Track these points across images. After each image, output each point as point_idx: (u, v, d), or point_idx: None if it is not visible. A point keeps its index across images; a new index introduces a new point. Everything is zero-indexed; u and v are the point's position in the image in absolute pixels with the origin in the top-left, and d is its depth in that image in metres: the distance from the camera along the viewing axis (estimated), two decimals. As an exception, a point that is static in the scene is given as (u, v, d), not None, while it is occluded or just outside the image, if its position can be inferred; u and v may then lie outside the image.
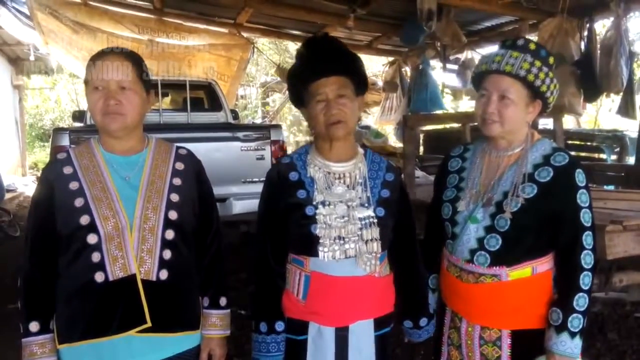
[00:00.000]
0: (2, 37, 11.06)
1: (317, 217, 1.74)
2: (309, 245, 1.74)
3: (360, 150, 1.88)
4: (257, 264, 1.85)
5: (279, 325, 1.79)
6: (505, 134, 1.82)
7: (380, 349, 1.82)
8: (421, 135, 9.38)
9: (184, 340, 1.76)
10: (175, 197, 1.74)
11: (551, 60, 1.80)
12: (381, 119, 10.39)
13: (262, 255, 1.83)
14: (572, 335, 1.71)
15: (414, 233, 1.94)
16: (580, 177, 1.76)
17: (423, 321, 1.94)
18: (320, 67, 1.74)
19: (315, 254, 1.73)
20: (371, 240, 1.75)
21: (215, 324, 1.83)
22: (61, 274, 1.67)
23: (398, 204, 1.86)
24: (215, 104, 7.03)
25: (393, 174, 1.89)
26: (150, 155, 1.78)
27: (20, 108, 14.27)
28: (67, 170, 1.70)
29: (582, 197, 1.75)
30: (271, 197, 1.84)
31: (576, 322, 1.71)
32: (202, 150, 5.18)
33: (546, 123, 7.19)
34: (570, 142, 7.14)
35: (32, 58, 11.47)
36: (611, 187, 5.97)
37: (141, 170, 1.75)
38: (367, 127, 10.38)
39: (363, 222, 1.76)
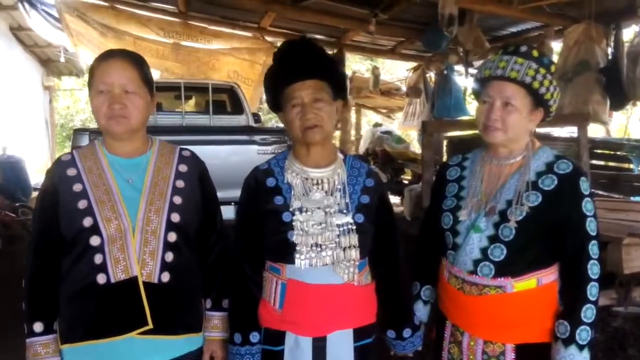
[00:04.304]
0: (33, 38, 11.26)
1: (294, 223, 1.70)
2: (286, 253, 1.71)
3: (340, 156, 1.84)
4: (233, 272, 1.81)
5: (254, 337, 1.75)
6: (507, 142, 1.78)
7: None
8: (444, 141, 9.26)
9: (186, 343, 1.76)
10: (178, 200, 1.74)
11: (553, 68, 1.75)
12: (404, 124, 10.35)
13: (238, 263, 1.80)
14: (581, 348, 1.65)
15: (395, 240, 1.88)
16: (584, 185, 1.71)
17: (407, 332, 1.89)
18: (295, 71, 1.70)
19: (292, 261, 1.70)
20: (349, 247, 1.71)
21: (218, 326, 1.83)
22: (64, 275, 1.68)
23: (378, 210, 1.81)
24: (237, 107, 7.05)
25: (373, 179, 1.84)
26: (153, 158, 1.79)
27: (50, 109, 14.50)
28: (71, 172, 1.71)
29: (587, 206, 1.70)
30: (248, 204, 1.81)
31: (584, 334, 1.66)
32: (219, 153, 5.26)
33: (572, 131, 7.04)
34: (596, 151, 6.96)
35: (62, 60, 11.68)
36: (638, 199, 5.80)
37: (144, 173, 1.75)
38: (389, 132, 10.28)
39: (341, 229, 1.71)
